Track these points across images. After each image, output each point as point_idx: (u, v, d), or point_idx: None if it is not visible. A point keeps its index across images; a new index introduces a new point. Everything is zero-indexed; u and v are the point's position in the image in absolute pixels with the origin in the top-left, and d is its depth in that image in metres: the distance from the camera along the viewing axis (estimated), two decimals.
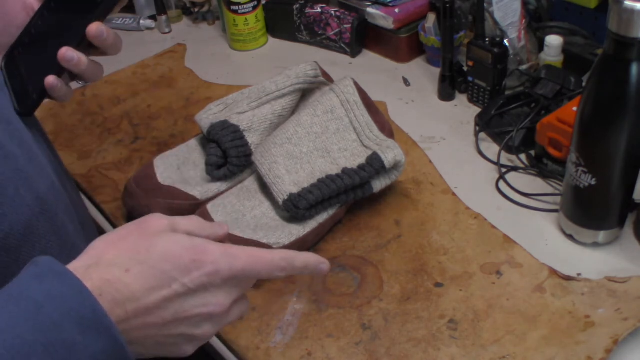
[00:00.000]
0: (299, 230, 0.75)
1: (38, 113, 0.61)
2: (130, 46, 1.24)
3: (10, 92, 0.59)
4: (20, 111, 0.59)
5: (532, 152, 0.87)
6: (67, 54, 0.57)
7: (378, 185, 0.79)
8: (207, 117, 0.85)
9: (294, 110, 0.86)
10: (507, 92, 0.98)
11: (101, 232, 0.88)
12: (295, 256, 0.49)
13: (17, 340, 0.39)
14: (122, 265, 0.43)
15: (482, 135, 0.93)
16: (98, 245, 0.45)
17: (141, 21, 1.31)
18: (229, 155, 0.80)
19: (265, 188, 0.78)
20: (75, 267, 0.43)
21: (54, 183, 0.58)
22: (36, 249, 0.52)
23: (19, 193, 0.51)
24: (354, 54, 1.16)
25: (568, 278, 0.71)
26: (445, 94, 1.02)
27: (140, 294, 0.43)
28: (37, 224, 0.52)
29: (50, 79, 0.58)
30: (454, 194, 0.84)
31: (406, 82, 1.08)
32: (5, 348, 0.39)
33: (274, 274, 0.48)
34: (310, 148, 0.78)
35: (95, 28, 0.56)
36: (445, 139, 0.94)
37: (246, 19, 1.18)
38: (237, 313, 0.49)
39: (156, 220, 0.47)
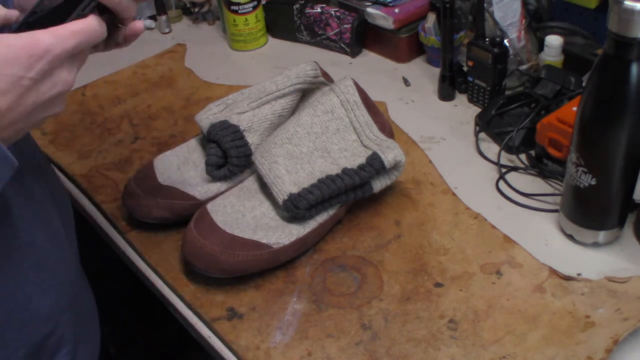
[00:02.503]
0: (299, 230, 0.75)
1: None
2: (130, 46, 1.23)
3: None
4: None
5: (532, 152, 0.87)
6: None
7: (378, 185, 0.79)
8: (207, 117, 0.85)
9: (294, 110, 0.86)
10: (507, 92, 0.98)
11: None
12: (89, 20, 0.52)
13: None
14: None
15: (482, 135, 0.93)
16: None
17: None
18: (229, 155, 0.80)
19: (265, 188, 0.78)
20: None
21: (22, 150, 0.60)
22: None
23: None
24: (354, 54, 1.16)
25: (568, 278, 0.71)
26: (445, 94, 1.02)
27: None
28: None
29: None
30: (454, 194, 0.84)
31: (406, 82, 1.08)
32: None
33: (99, 37, 0.52)
34: (310, 148, 0.78)
35: None
36: (445, 139, 0.94)
37: (246, 19, 1.18)
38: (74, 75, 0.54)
39: None
